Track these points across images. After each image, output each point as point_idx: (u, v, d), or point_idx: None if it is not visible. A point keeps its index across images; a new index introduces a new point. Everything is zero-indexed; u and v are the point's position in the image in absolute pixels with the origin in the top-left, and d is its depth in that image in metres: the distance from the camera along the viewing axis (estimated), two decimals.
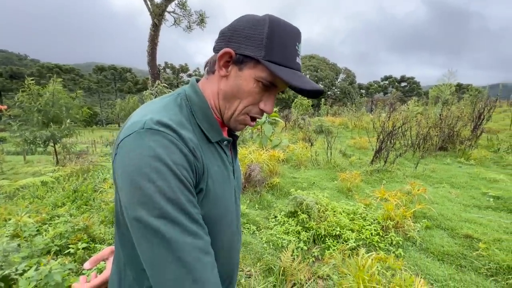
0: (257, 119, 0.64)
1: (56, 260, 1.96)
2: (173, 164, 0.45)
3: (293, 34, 0.56)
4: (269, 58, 0.53)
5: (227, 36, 0.56)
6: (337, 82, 47.28)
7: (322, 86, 0.55)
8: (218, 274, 0.50)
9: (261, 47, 0.53)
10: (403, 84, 62.70)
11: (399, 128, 6.39)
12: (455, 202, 3.98)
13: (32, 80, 7.44)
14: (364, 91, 58.97)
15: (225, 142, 0.63)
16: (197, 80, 0.64)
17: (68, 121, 7.60)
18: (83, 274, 1.96)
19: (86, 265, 0.70)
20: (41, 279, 1.56)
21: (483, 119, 8.16)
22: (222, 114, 0.61)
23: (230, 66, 0.56)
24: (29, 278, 1.58)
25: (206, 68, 0.62)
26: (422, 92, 54.78)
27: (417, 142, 7.57)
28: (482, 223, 3.16)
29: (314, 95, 0.60)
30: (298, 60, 0.57)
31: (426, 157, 7.00)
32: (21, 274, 1.71)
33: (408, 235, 2.85)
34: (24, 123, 7.34)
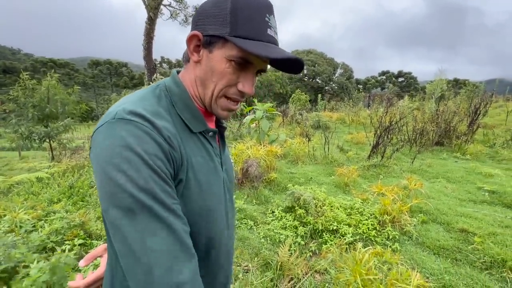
0: (240, 102, 0.60)
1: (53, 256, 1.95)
2: (145, 153, 0.44)
3: (261, 6, 0.52)
4: (235, 34, 0.50)
5: (195, 20, 0.55)
6: (334, 77, 47.15)
7: (300, 57, 0.52)
8: (195, 265, 0.48)
9: (226, 24, 0.51)
10: (400, 79, 62.80)
11: (396, 123, 6.40)
12: (451, 196, 4.02)
13: (27, 75, 7.31)
14: (361, 86, 58.98)
15: (210, 133, 0.62)
16: (178, 72, 0.63)
17: (68, 118, 7.53)
18: (79, 271, 1.95)
19: (81, 263, 0.71)
20: (50, 269, 1.58)
21: (479, 114, 8.20)
22: (203, 101, 0.59)
23: (201, 50, 0.55)
24: (41, 268, 1.59)
25: (183, 59, 0.61)
26: (419, 87, 54.96)
27: (413, 137, 7.61)
28: (477, 217, 3.19)
29: (293, 67, 0.57)
30: (271, 32, 0.53)
31: (422, 152, 7.04)
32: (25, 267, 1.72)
33: (405, 230, 2.87)
34: (20, 119, 7.25)
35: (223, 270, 0.68)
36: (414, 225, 3.00)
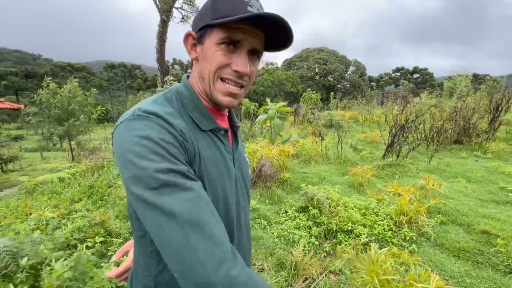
0: (242, 86, 0.60)
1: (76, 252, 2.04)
2: (163, 141, 0.47)
3: None
4: (216, 16, 0.53)
5: (192, 27, 0.62)
6: (346, 75, 46.31)
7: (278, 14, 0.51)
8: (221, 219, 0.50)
9: (209, 13, 0.55)
10: (415, 75, 60.83)
11: (412, 121, 6.23)
12: (472, 197, 3.87)
13: (50, 79, 7.76)
14: (374, 83, 57.65)
15: (221, 131, 0.64)
16: (189, 76, 0.67)
17: (82, 116, 7.87)
18: (100, 267, 2.03)
19: (114, 257, 0.79)
20: (72, 266, 1.66)
21: (501, 111, 7.84)
22: (206, 93, 0.61)
23: (197, 47, 0.60)
24: (64, 263, 1.68)
25: (190, 65, 0.66)
26: (435, 84, 53.05)
27: (430, 136, 7.37)
28: (500, 219, 3.06)
29: (283, 36, 0.56)
30: (251, 8, 0.53)
31: (440, 150, 6.81)
32: (49, 265, 1.81)
33: (422, 231, 2.80)
34: (43, 119, 7.67)
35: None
36: (432, 226, 2.92)
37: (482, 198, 3.83)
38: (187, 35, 0.60)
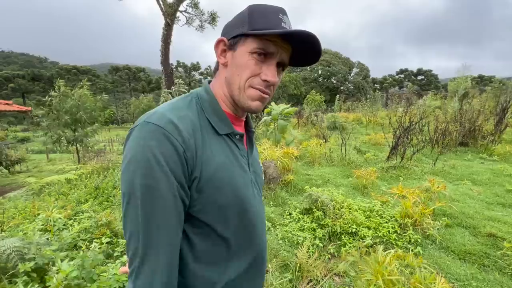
0: (268, 94, 0.63)
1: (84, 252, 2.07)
2: (161, 155, 0.51)
3: (274, 8, 0.59)
4: (252, 28, 0.57)
5: (222, 34, 0.64)
6: (350, 77, 46.19)
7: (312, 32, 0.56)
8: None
9: (244, 24, 0.58)
10: (420, 77, 60.42)
11: (416, 123, 6.20)
12: (477, 199, 3.84)
13: (62, 81, 7.91)
14: (378, 85, 57.38)
15: (237, 136, 0.66)
16: (210, 82, 0.69)
17: (96, 124, 8.01)
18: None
19: (122, 269, 0.80)
20: (79, 265, 1.68)
21: (507, 113, 7.76)
22: (232, 97, 0.64)
23: (227, 53, 0.62)
24: (71, 263, 1.71)
25: (213, 70, 0.68)
26: (440, 85, 52.62)
27: (435, 138, 7.32)
28: (507, 222, 3.04)
29: (312, 54, 0.62)
30: (284, 25, 0.59)
31: (445, 153, 6.76)
32: (52, 267, 1.83)
33: (427, 233, 2.79)
34: (53, 122, 7.79)
35: (259, 254, 0.70)
36: (438, 228, 2.90)
37: (488, 200, 3.80)
38: (220, 41, 0.62)
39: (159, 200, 0.51)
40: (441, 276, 1.76)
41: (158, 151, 0.51)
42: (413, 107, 9.77)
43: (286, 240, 2.76)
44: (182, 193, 0.54)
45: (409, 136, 5.91)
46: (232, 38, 0.60)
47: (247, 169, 0.67)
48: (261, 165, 0.81)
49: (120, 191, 0.55)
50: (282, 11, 0.60)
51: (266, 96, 0.63)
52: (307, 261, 2.22)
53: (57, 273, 1.78)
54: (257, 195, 0.71)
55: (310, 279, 2.16)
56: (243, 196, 0.63)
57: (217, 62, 0.65)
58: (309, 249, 2.49)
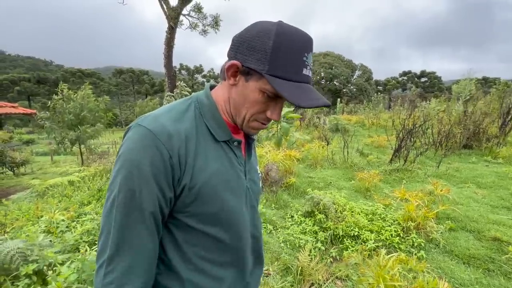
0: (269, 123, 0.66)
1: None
2: (145, 159, 0.52)
3: (301, 45, 0.55)
4: (273, 73, 0.54)
5: (236, 46, 0.58)
6: (352, 79, 46.08)
7: (326, 100, 0.57)
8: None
9: (266, 61, 0.54)
10: (423, 79, 60.07)
11: (420, 126, 6.16)
12: (482, 203, 3.80)
13: (66, 85, 8.07)
14: (381, 87, 57.17)
15: (235, 143, 0.66)
16: (212, 86, 0.69)
17: (98, 124, 8.12)
18: None
19: None
20: (79, 268, 1.68)
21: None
22: (235, 121, 0.65)
23: (238, 76, 0.59)
24: (70, 266, 1.71)
25: (221, 74, 0.66)
26: (444, 88, 52.30)
27: (439, 140, 7.26)
28: None
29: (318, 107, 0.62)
30: (306, 71, 0.57)
31: (449, 155, 6.70)
32: (54, 269, 1.84)
33: (431, 237, 2.76)
34: (56, 124, 7.90)
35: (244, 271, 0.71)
36: (441, 232, 2.87)
37: (493, 204, 3.75)
38: (233, 65, 0.58)
39: (136, 202, 0.52)
40: (445, 281, 1.74)
41: (143, 155, 0.52)
42: (416, 109, 9.72)
43: (287, 243, 2.75)
44: (162, 200, 0.55)
45: (412, 139, 5.87)
46: (248, 67, 0.56)
47: (243, 177, 0.67)
48: (259, 172, 0.80)
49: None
50: (307, 47, 0.56)
51: (266, 126, 0.66)
52: (308, 265, 2.21)
53: (56, 275, 1.79)
54: (250, 204, 0.70)
55: (312, 283, 2.15)
56: (232, 206, 0.63)
57: (225, 72, 0.62)
58: (310, 252, 2.47)
